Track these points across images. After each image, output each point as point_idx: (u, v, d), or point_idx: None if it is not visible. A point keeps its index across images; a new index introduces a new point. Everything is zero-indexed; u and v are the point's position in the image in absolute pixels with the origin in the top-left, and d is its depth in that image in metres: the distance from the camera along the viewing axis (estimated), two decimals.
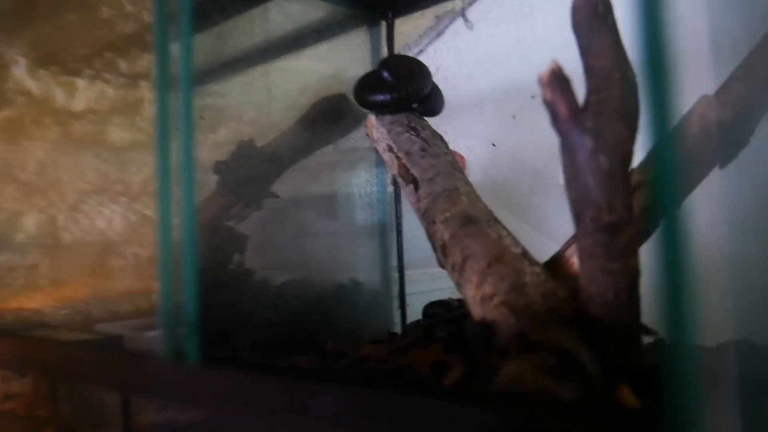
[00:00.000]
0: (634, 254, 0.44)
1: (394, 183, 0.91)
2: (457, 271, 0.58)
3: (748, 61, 0.60)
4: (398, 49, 1.00)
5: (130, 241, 1.22)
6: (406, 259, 0.97)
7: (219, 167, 0.84)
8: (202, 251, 0.76)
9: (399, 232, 0.94)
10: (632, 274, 0.45)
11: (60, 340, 0.72)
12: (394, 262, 0.96)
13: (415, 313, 0.95)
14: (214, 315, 0.66)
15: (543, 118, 0.99)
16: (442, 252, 0.62)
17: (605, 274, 0.44)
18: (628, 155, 0.44)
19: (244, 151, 0.85)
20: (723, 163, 0.61)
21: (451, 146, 0.78)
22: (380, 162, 0.94)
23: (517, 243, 0.58)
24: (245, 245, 0.83)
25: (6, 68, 1.13)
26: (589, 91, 0.46)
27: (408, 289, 0.95)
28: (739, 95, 0.58)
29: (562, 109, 0.43)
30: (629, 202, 0.43)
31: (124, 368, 0.40)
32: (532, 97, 1.03)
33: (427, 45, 1.15)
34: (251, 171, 0.84)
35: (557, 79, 0.43)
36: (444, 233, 0.61)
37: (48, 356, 0.55)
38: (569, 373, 0.34)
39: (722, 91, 0.60)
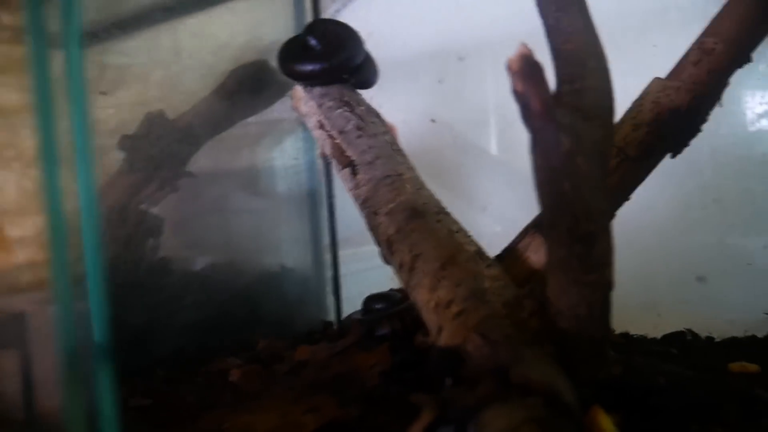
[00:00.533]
0: (610, 265, 0.40)
1: (324, 157, 0.83)
2: (406, 271, 0.53)
3: (703, 43, 0.56)
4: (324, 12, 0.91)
5: (29, 210, 1.10)
6: (338, 236, 0.91)
7: (125, 143, 0.75)
8: (108, 242, 0.67)
9: (331, 212, 0.88)
10: (606, 287, 0.41)
11: None
12: (326, 240, 0.89)
13: (350, 295, 0.89)
14: (129, 322, 0.58)
15: (470, 81, 0.94)
16: (387, 247, 0.56)
17: (579, 286, 0.40)
18: (607, 156, 0.39)
19: (154, 124, 0.76)
20: (675, 152, 0.58)
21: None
22: (308, 134, 0.86)
23: (470, 239, 0.53)
24: (161, 230, 0.75)
25: None
26: (562, 81, 0.40)
27: (342, 269, 0.89)
28: (694, 80, 0.55)
29: (535, 103, 0.37)
30: (606, 208, 0.39)
31: None
32: (460, 59, 0.98)
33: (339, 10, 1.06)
34: (163, 147, 0.74)
35: (528, 67, 0.37)
36: (389, 227, 0.56)
37: None
38: (560, 426, 0.30)
39: (675, 74, 0.56)
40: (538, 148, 0.38)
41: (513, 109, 0.38)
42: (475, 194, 0.87)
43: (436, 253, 0.51)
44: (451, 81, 0.92)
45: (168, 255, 0.71)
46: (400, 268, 0.54)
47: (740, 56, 0.57)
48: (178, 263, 0.71)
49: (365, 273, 0.88)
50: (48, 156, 0.50)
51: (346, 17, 1.06)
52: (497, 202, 0.84)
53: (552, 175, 0.38)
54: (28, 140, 1.19)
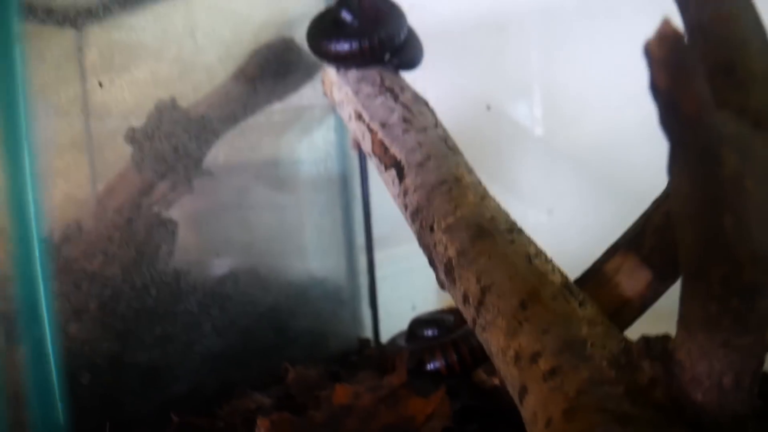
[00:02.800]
0: None
1: (358, 149, 0.73)
2: (473, 306, 0.42)
3: None
4: None
5: None
6: (374, 234, 0.80)
7: (133, 137, 0.65)
8: (112, 261, 0.57)
9: (366, 210, 0.77)
10: (763, 350, 0.30)
11: None
12: (360, 240, 0.79)
13: (385, 302, 0.79)
14: (136, 358, 0.49)
15: (511, 52, 0.82)
16: (446, 273, 0.45)
17: (728, 349, 0.30)
18: None
19: (165, 114, 0.66)
20: None
21: None
22: (340, 123, 0.76)
23: (552, 266, 0.43)
24: (174, 234, 0.65)
25: None
26: (713, 70, 0.29)
27: (378, 272, 0.79)
28: None
29: (687, 104, 0.26)
30: None
31: None
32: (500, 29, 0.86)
33: None
34: (176, 142, 0.65)
35: (678, 53, 0.26)
36: (449, 247, 0.45)
37: None
38: None
39: None
40: (686, 167, 0.27)
41: (588, 87, 0.28)
42: (539, 194, 0.75)
43: (513, 286, 0.40)
44: (509, 57, 0.80)
45: (183, 266, 0.62)
46: (464, 301, 0.43)
47: None
48: (194, 276, 0.62)
49: (405, 276, 0.79)
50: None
51: None
52: (567, 205, 0.72)
53: (707, 205, 0.27)
54: None
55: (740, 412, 0.32)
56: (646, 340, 0.35)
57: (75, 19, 0.64)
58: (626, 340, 0.36)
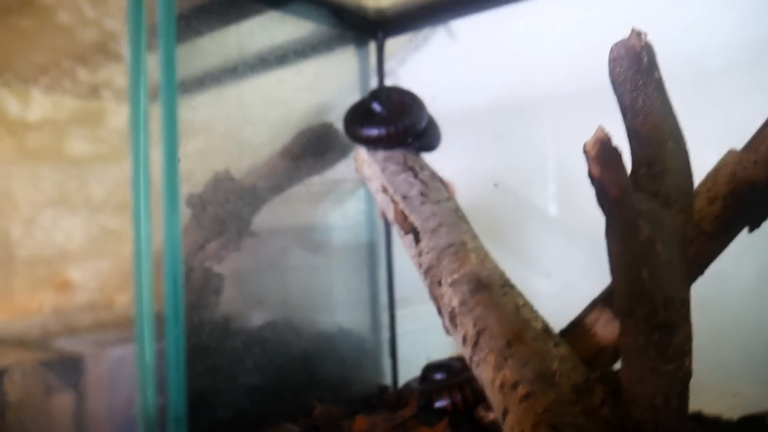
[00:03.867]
0: (689, 354, 0.38)
1: (384, 218, 0.83)
2: (470, 346, 0.51)
3: None
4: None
5: (92, 253, 1.14)
6: (397, 295, 0.90)
7: (193, 201, 0.76)
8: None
9: (390, 272, 0.87)
10: (685, 376, 0.39)
11: None
12: (383, 300, 0.89)
13: (406, 354, 0.88)
14: (191, 385, 0.58)
15: (527, 135, 0.93)
16: (450, 319, 0.55)
17: (656, 376, 0.38)
18: (687, 242, 0.37)
19: (221, 183, 0.77)
20: (753, 226, 0.55)
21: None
22: (369, 195, 0.87)
23: (536, 315, 0.52)
24: (221, 287, 0.76)
25: None
26: (639, 162, 0.39)
27: (399, 329, 0.88)
28: None
29: (613, 189, 0.36)
30: (687, 296, 0.37)
31: None
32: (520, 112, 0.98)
33: (406, 58, 1.08)
34: (228, 207, 0.76)
35: (606, 152, 0.37)
36: (452, 299, 0.55)
37: None
38: None
39: (752, 146, 0.54)
40: (615, 233, 0.37)
41: (576, 169, 0.38)
42: (539, 259, 0.85)
43: (502, 329, 0.50)
44: (513, 139, 0.92)
45: (229, 313, 0.72)
46: (463, 342, 0.53)
47: None
48: (238, 322, 0.72)
49: (422, 333, 0.87)
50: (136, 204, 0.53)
51: (407, 73, 1.08)
52: (562, 268, 0.82)
53: (629, 261, 0.37)
54: (95, 188, 1.24)
55: (672, 429, 0.40)
56: (602, 371, 0.44)
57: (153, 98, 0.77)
58: (589, 373, 0.45)
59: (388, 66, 1.10)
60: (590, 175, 0.37)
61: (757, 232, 0.58)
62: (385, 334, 0.87)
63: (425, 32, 1.19)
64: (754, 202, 0.55)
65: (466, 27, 1.08)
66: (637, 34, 0.44)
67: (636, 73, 0.42)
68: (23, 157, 1.10)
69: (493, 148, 0.95)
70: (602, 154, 0.36)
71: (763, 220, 0.57)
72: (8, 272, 1.04)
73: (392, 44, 1.09)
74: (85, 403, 0.78)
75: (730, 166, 0.56)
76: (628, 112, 0.42)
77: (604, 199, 0.37)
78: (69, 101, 1.13)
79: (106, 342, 0.82)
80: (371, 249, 0.88)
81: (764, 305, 0.73)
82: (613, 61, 0.43)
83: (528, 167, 0.90)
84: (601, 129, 0.38)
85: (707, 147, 0.59)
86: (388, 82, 1.00)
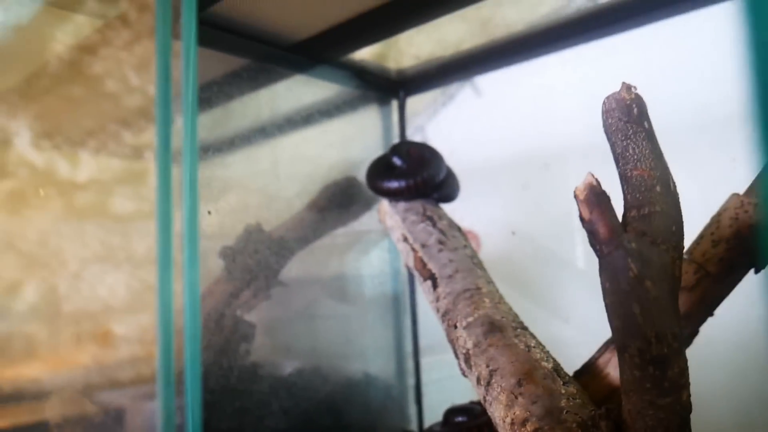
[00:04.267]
0: (686, 387, 0.40)
1: (408, 269, 0.87)
2: (483, 386, 0.54)
3: None
4: (408, 124, 0.98)
5: (134, 308, 1.18)
6: (421, 343, 0.92)
7: (225, 253, 0.81)
8: (206, 348, 0.72)
9: (414, 319, 0.90)
10: (684, 409, 0.40)
11: None
12: (408, 348, 0.91)
13: (432, 403, 0.90)
14: (219, 425, 0.62)
15: (553, 188, 0.96)
16: (465, 361, 0.57)
17: (655, 409, 0.40)
18: (677, 279, 0.40)
19: (252, 235, 0.82)
20: (759, 268, 0.57)
21: (463, 225, 0.75)
22: (393, 245, 0.90)
23: (547, 356, 0.54)
24: (253, 336, 0.79)
25: (8, 141, 1.12)
26: (629, 206, 0.42)
27: (424, 377, 0.90)
28: None
29: (602, 230, 0.39)
30: (679, 331, 0.39)
31: None
32: (545, 165, 1.01)
33: (431, 116, 1.13)
34: (259, 258, 0.80)
35: (595, 196, 0.40)
36: (467, 341, 0.57)
37: None
38: None
39: (753, 190, 0.56)
40: (606, 272, 0.40)
41: None
42: (559, 305, 0.87)
43: (513, 369, 0.52)
44: (533, 191, 0.95)
45: (258, 360, 0.75)
46: (477, 382, 0.55)
47: None
48: (267, 368, 0.75)
49: (447, 381, 0.89)
50: (163, 260, 0.56)
51: (435, 128, 1.13)
52: (580, 313, 0.84)
53: (621, 298, 0.39)
54: (138, 245, 1.30)
55: None
56: (607, 408, 0.46)
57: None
58: (595, 409, 0.47)
59: (417, 121, 1.16)
60: (581, 218, 0.40)
61: None
62: (411, 381, 0.89)
63: (452, 89, 1.25)
64: (757, 244, 0.57)
65: (489, 82, 1.13)
66: (627, 87, 0.47)
67: (626, 123, 0.45)
68: (71, 216, 1.17)
69: (518, 198, 0.98)
70: (591, 198, 0.39)
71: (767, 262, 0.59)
72: (55, 326, 1.09)
73: (418, 101, 1.15)
74: None
75: (732, 210, 0.58)
76: (619, 159, 0.45)
77: (594, 240, 0.40)
78: (114, 162, 1.20)
79: (145, 395, 0.86)
80: (396, 298, 0.91)
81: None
82: (606, 113, 0.46)
83: (550, 216, 0.92)
84: (590, 175, 0.41)
85: (715, 191, 0.61)
86: (417, 136, 1.05)
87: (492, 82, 1.11)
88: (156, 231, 0.60)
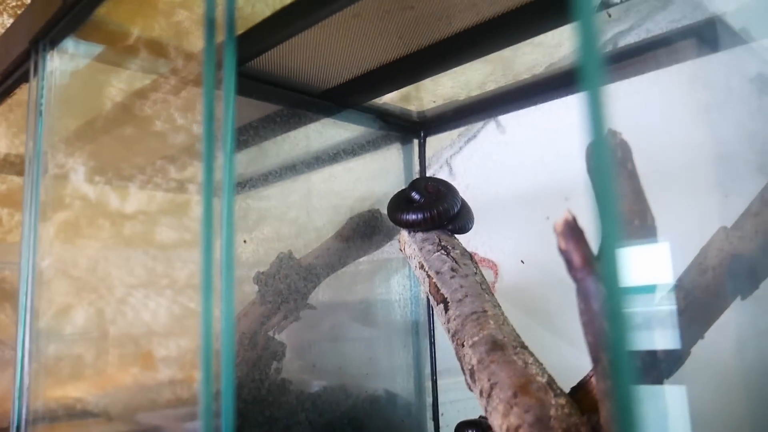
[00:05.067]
0: None
1: (427, 294, 0.93)
2: (485, 398, 0.60)
3: (764, 195, 0.62)
4: (428, 158, 1.05)
5: (174, 332, 1.26)
6: (439, 366, 0.98)
7: (259, 278, 0.89)
8: (240, 363, 0.79)
9: (432, 342, 0.97)
10: None
11: None
12: (427, 369, 0.97)
13: (449, 422, 0.95)
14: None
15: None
16: (470, 376, 0.63)
17: None
18: None
19: (283, 262, 0.90)
20: (744, 295, 0.62)
21: (483, 256, 0.82)
22: (412, 273, 0.97)
23: (543, 371, 0.60)
24: (283, 354, 0.86)
25: (65, 177, 1.22)
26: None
27: (442, 397, 0.96)
28: (756, 229, 0.60)
29: (576, 258, 0.46)
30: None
31: None
32: (566, 199, 1.07)
33: (455, 152, 1.21)
34: (289, 283, 0.88)
35: (570, 229, 0.46)
36: (472, 358, 0.64)
37: None
38: None
39: (739, 224, 0.62)
40: (581, 295, 0.46)
41: None
42: (566, 329, 0.92)
43: (511, 382, 0.58)
44: (539, 225, 1.01)
45: (287, 376, 0.83)
46: (480, 395, 0.61)
47: None
48: (295, 383, 0.82)
49: (462, 402, 0.94)
50: (206, 286, 0.62)
51: (456, 165, 1.20)
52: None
53: (593, 317, 0.45)
54: (179, 272, 1.39)
55: None
56: (588, 415, 0.52)
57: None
58: (581, 417, 0.53)
59: (444, 155, 1.23)
60: (559, 248, 0.47)
61: None
62: (428, 400, 0.95)
63: (477, 126, 1.32)
64: (741, 273, 0.63)
65: (512, 119, 1.20)
66: (612, 132, 0.54)
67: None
68: (119, 244, 1.26)
69: (542, 229, 1.05)
70: (567, 231, 0.46)
71: (754, 289, 0.64)
72: (101, 349, 1.18)
73: (445, 136, 1.22)
74: None
75: (718, 242, 0.64)
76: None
77: (570, 267, 0.46)
78: (160, 195, 1.29)
79: (185, 416, 0.93)
80: (415, 322, 0.98)
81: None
82: (588, 156, 0.53)
83: (552, 247, 0.98)
84: (567, 211, 0.48)
85: (709, 225, 0.67)
86: (443, 171, 1.12)
87: (515, 118, 1.19)
88: (201, 259, 0.66)
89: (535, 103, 0.92)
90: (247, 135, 0.85)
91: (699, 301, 0.63)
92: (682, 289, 0.64)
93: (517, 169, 1.10)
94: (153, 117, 1.22)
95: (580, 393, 0.63)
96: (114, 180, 1.28)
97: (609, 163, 0.33)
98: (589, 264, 0.46)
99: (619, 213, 0.34)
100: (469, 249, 0.82)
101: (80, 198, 1.22)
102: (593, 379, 0.64)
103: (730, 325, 0.66)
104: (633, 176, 0.53)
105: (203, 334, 0.55)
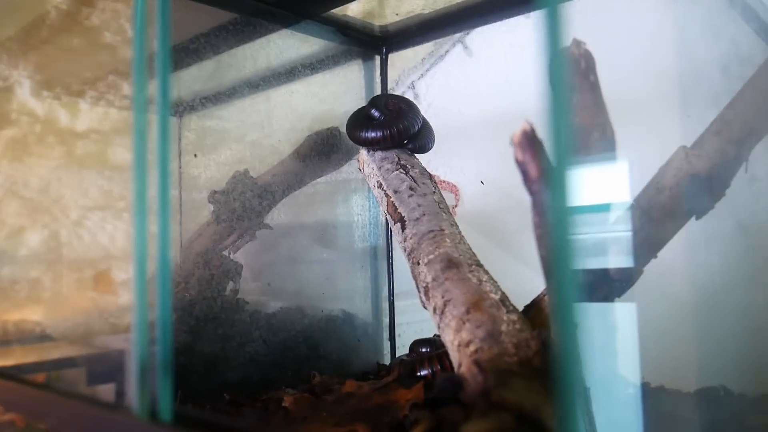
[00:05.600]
0: None
1: (386, 214, 0.92)
2: (438, 315, 0.59)
3: (725, 115, 0.61)
4: (392, 80, 1.02)
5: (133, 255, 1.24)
6: (397, 288, 0.98)
7: (214, 197, 0.86)
8: (194, 282, 0.78)
9: (390, 264, 0.96)
10: None
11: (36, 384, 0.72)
12: (385, 291, 0.97)
13: (405, 342, 0.96)
14: (203, 349, 0.68)
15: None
16: (424, 294, 0.63)
17: None
18: None
19: (239, 181, 0.87)
20: (699, 214, 0.62)
21: (443, 178, 0.80)
22: (372, 194, 0.96)
23: (496, 289, 0.60)
24: (238, 273, 0.85)
25: (10, 90, 1.16)
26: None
27: (399, 318, 0.97)
28: (715, 148, 0.60)
29: (532, 170, 0.44)
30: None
31: (97, 422, 0.41)
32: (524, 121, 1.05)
33: (421, 76, 1.17)
34: (245, 202, 0.85)
35: (528, 140, 0.45)
36: (427, 275, 0.63)
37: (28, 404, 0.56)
38: None
39: (698, 143, 0.61)
40: (535, 208, 0.45)
41: None
42: (522, 251, 0.92)
43: (464, 299, 0.57)
44: (502, 145, 0.99)
45: (244, 296, 0.81)
46: (434, 312, 0.61)
47: (760, 129, 0.62)
48: (251, 304, 0.81)
49: (421, 323, 0.95)
50: (139, 208, 0.58)
51: (426, 85, 1.16)
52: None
53: (546, 231, 0.44)
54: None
55: None
56: (539, 330, 0.51)
57: (178, 110, 0.87)
58: (532, 333, 0.53)
59: (411, 78, 1.19)
60: (516, 160, 0.45)
61: None
62: (385, 321, 0.95)
63: (444, 48, 1.28)
64: (697, 193, 0.62)
65: (480, 42, 1.16)
66: (576, 43, 0.52)
67: (572, 75, 0.50)
68: (71, 164, 1.21)
69: (504, 151, 1.03)
70: (524, 142, 0.44)
71: (708, 209, 0.64)
72: (57, 272, 1.15)
73: (411, 58, 1.18)
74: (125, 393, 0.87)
75: (677, 161, 0.64)
76: None
77: (526, 179, 0.45)
78: (113, 112, 1.24)
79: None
80: (374, 244, 0.97)
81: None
82: (547, 70, 0.51)
83: (513, 169, 0.97)
84: (526, 122, 0.46)
85: (670, 145, 0.66)
86: (409, 93, 1.09)
87: (480, 35, 1.15)
88: (158, 180, 0.62)
89: (500, 18, 0.89)
90: (198, 44, 0.81)
91: (654, 221, 0.62)
92: (638, 208, 0.63)
93: (482, 89, 1.08)
94: (101, 27, 1.15)
95: (533, 310, 0.64)
96: (63, 95, 1.21)
97: (563, 75, 0.31)
98: (546, 176, 0.44)
99: (570, 133, 0.32)
100: (429, 170, 0.80)
101: (27, 114, 1.16)
102: (546, 298, 0.64)
103: (683, 245, 0.66)
104: (595, 88, 0.52)
105: (136, 257, 0.52)
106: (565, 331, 0.28)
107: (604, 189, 0.58)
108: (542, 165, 0.45)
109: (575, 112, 0.49)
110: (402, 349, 0.93)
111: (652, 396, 0.71)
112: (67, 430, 0.44)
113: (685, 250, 0.67)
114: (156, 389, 0.39)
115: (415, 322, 0.96)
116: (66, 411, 0.45)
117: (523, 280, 0.68)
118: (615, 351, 0.66)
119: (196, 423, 0.35)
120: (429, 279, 0.62)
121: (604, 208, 0.60)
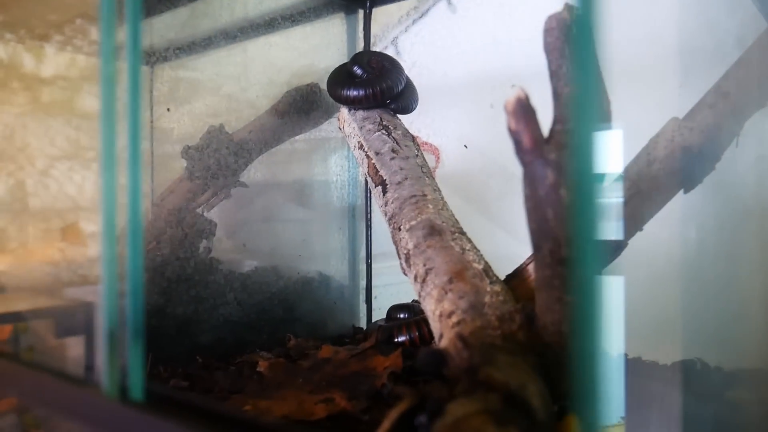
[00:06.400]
0: None
1: (366, 176, 0.90)
2: (419, 283, 0.58)
3: (720, 87, 0.59)
4: (375, 36, 0.98)
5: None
6: (375, 250, 0.97)
7: (188, 153, 0.83)
8: (166, 241, 0.75)
9: (368, 225, 0.94)
10: None
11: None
12: (362, 253, 0.96)
13: (382, 305, 0.95)
14: (175, 311, 0.66)
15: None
16: (405, 261, 0.61)
17: (562, 305, 0.45)
18: None
19: (213, 136, 0.84)
20: (687, 188, 0.61)
21: (425, 140, 0.78)
22: (351, 153, 0.93)
23: (480, 258, 0.58)
24: (212, 233, 0.82)
25: None
26: (556, 120, 0.45)
27: (376, 281, 0.95)
28: (708, 122, 0.58)
29: (526, 140, 0.42)
30: None
31: (66, 398, 0.39)
32: (512, 86, 1.02)
33: (404, 30, 1.14)
34: (219, 158, 0.82)
35: (522, 109, 0.42)
36: (408, 242, 0.61)
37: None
38: (514, 419, 0.34)
39: (691, 115, 0.59)
40: (527, 179, 0.43)
41: None
42: (503, 217, 0.91)
43: (447, 268, 0.56)
44: (487, 109, 0.97)
45: (218, 256, 0.79)
46: (414, 280, 0.59)
47: (756, 101, 0.60)
48: (225, 264, 0.79)
49: (396, 286, 0.94)
50: (107, 159, 0.56)
51: (409, 42, 1.13)
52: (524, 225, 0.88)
53: (538, 203, 0.43)
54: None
55: None
56: (523, 304, 0.50)
57: (150, 59, 0.83)
58: (515, 305, 0.52)
59: (392, 34, 1.15)
60: (509, 128, 0.43)
61: None
62: (362, 283, 0.93)
63: (428, 4, 1.24)
64: (688, 166, 0.61)
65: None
66: (569, 8, 0.49)
67: (564, 42, 0.48)
68: (37, 111, 1.16)
69: (488, 114, 1.00)
70: (518, 110, 0.42)
71: (697, 183, 0.63)
72: (23, 222, 1.11)
73: (394, 14, 1.14)
74: (95, 345, 0.84)
75: (669, 132, 0.62)
76: (553, 76, 0.47)
77: (518, 149, 0.43)
78: (81, 58, 1.18)
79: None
80: (352, 205, 0.95)
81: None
82: (546, 31, 0.49)
83: (499, 133, 0.95)
84: (519, 89, 0.44)
85: (663, 115, 0.64)
86: (388, 52, 1.05)
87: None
88: (128, 130, 0.60)
89: None
90: None
91: (643, 193, 0.61)
92: (628, 179, 0.62)
93: (468, 50, 1.05)
94: None
95: (516, 281, 0.62)
96: (27, 39, 1.15)
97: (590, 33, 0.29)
98: (539, 147, 0.42)
99: (596, 96, 0.30)
100: (411, 131, 0.78)
101: None
102: (529, 267, 0.63)
103: (670, 218, 0.65)
104: None
105: (105, 210, 0.50)
106: (588, 303, 0.26)
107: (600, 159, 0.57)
108: (536, 135, 0.42)
109: (564, 81, 0.47)
110: (378, 312, 0.92)
111: (627, 367, 0.72)
112: (32, 404, 0.41)
113: (669, 224, 0.66)
114: (126, 359, 0.37)
115: (392, 284, 0.95)
116: (30, 383, 0.42)
117: (503, 245, 0.66)
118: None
119: (169, 402, 0.34)
120: (410, 246, 0.61)
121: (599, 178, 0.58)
